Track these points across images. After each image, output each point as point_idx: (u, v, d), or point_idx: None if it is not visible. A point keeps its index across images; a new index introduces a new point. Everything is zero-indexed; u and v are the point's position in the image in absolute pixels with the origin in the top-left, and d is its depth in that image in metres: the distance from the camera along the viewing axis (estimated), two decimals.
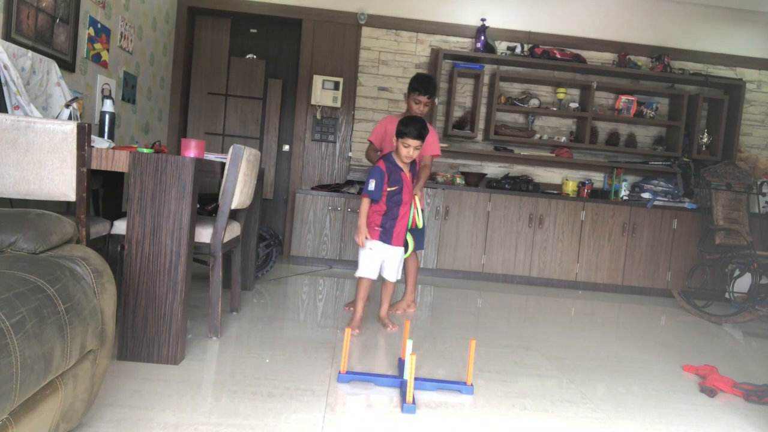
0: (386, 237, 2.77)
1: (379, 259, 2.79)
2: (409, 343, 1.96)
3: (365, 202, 2.74)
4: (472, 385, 2.07)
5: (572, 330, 3.31)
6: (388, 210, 2.75)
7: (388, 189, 2.73)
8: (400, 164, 2.75)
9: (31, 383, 1.04)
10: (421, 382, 2.05)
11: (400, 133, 2.70)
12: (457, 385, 2.07)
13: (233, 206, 2.43)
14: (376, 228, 2.76)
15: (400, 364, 2.20)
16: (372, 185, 2.69)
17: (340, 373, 2.06)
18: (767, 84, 5.25)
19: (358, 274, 2.79)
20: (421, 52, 5.05)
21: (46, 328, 1.10)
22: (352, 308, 3.25)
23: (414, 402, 1.85)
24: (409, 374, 1.84)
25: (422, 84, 3.07)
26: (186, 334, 2.21)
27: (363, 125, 5.07)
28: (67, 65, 3.14)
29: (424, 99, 3.08)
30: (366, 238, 2.74)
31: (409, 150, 2.71)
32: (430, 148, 3.15)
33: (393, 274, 2.84)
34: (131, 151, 2.08)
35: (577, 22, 5.07)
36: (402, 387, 1.96)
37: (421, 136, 2.69)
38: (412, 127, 2.67)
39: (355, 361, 2.32)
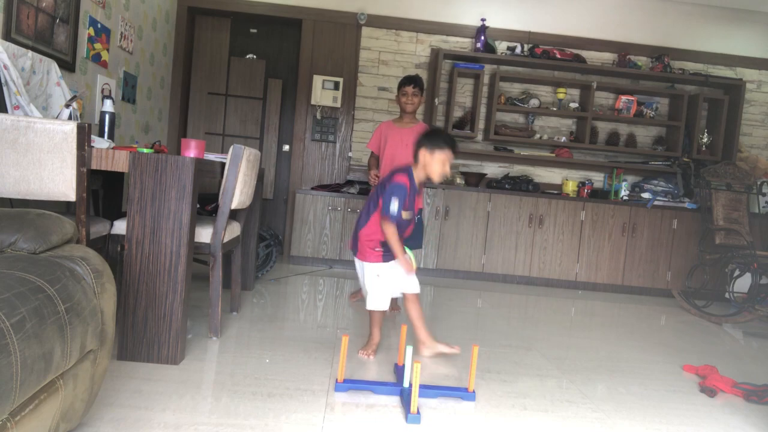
0: (389, 256, 2.38)
1: (391, 283, 2.40)
2: (409, 350, 1.94)
3: (391, 228, 2.29)
4: (474, 392, 2.02)
5: (572, 330, 3.31)
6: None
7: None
8: (417, 184, 2.38)
9: (31, 383, 1.04)
10: (421, 389, 2.00)
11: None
12: (459, 391, 2.03)
13: (233, 206, 2.43)
14: (377, 250, 2.37)
15: (398, 370, 2.18)
16: (395, 206, 2.25)
17: (337, 382, 2.00)
18: (767, 84, 5.25)
19: (369, 306, 2.40)
20: (421, 52, 5.05)
21: (46, 328, 1.10)
22: (356, 298, 3.41)
23: (419, 412, 1.81)
24: (413, 383, 1.79)
25: (408, 78, 3.33)
26: (186, 334, 2.21)
27: (363, 125, 5.07)
28: (67, 65, 3.14)
29: (410, 89, 3.29)
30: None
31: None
32: None
33: (414, 286, 2.42)
34: (131, 151, 2.08)
35: (577, 22, 5.07)
36: (402, 395, 1.94)
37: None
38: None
39: (353, 368, 2.28)
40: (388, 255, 2.36)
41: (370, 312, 2.44)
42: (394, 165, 3.09)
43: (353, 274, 4.42)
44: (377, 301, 2.37)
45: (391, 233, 2.28)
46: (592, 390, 2.25)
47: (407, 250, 2.40)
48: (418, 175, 2.36)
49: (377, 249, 2.37)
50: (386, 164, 3.30)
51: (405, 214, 2.31)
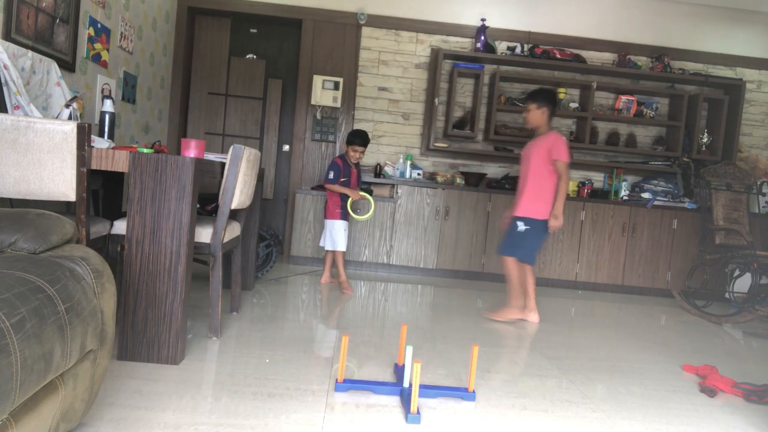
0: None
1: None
2: (409, 350, 1.94)
3: (333, 186, 3.81)
4: (474, 392, 2.02)
5: (572, 330, 3.30)
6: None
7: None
8: (352, 163, 3.92)
9: (31, 383, 1.04)
10: (421, 389, 2.00)
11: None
12: (459, 391, 2.03)
13: (233, 206, 2.43)
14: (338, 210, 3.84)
15: (398, 370, 2.18)
16: (331, 175, 3.80)
17: (337, 382, 2.00)
18: (767, 84, 5.25)
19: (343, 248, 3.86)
20: (421, 52, 5.05)
21: (46, 328, 1.10)
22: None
23: (419, 412, 1.81)
24: (413, 383, 1.79)
25: (529, 94, 3.41)
26: (186, 334, 2.21)
27: (363, 125, 5.07)
28: (67, 65, 3.14)
29: (526, 105, 3.40)
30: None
31: (356, 154, 3.82)
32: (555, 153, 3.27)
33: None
34: (131, 151, 2.08)
35: (577, 22, 5.07)
36: (402, 395, 1.94)
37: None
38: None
39: (353, 368, 2.30)
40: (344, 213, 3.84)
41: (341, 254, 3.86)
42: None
43: (353, 274, 4.44)
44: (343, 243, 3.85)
45: (334, 187, 3.77)
46: (592, 390, 2.25)
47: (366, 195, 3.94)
48: (349, 158, 3.87)
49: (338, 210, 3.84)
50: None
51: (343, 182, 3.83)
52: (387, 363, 2.35)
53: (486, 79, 5.00)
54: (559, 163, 3.23)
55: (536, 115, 3.32)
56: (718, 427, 1.98)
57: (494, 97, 4.83)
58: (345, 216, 3.82)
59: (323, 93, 4.93)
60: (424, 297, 3.92)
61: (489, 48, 4.88)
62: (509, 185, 4.80)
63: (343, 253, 3.85)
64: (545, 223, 3.28)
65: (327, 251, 3.94)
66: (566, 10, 5.07)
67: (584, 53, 5.07)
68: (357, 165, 3.94)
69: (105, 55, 3.60)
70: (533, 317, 3.36)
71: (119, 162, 2.07)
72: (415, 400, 1.81)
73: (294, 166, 5.08)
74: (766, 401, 2.25)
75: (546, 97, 3.32)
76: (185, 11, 4.90)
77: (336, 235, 3.80)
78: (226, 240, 2.49)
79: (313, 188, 4.80)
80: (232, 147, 2.36)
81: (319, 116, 5.02)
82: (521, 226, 3.31)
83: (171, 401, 1.77)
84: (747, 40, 5.18)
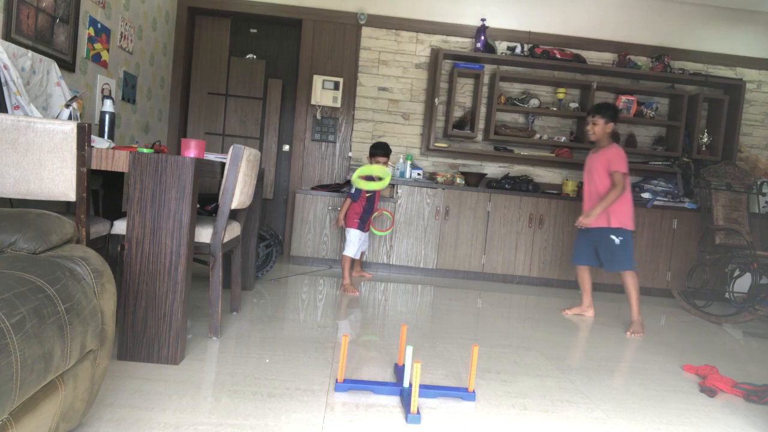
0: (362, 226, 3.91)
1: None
2: (409, 350, 1.94)
3: (348, 201, 3.84)
4: (474, 392, 2.02)
5: (572, 330, 3.31)
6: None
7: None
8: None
9: (31, 383, 1.04)
10: (421, 389, 2.00)
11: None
12: (459, 391, 2.03)
13: (233, 206, 2.43)
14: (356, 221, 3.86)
15: (398, 370, 2.18)
16: (352, 189, 3.77)
17: (337, 382, 2.00)
18: (767, 84, 5.25)
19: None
20: (421, 52, 5.05)
21: (46, 328, 1.10)
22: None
23: (419, 412, 1.81)
24: (413, 383, 1.79)
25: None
26: (186, 334, 2.21)
27: (363, 125, 5.07)
28: (67, 65, 3.14)
29: (589, 118, 3.54)
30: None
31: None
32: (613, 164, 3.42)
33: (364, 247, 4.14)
34: (131, 151, 2.08)
35: (577, 22, 5.07)
36: (402, 395, 1.94)
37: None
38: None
39: (352, 368, 2.29)
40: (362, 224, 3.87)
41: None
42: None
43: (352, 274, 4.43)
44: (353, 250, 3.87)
45: (346, 204, 3.83)
46: (592, 390, 2.25)
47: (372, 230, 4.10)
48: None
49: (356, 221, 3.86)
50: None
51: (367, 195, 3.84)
52: (387, 363, 2.35)
53: (486, 79, 5.00)
54: (616, 174, 3.39)
55: (603, 129, 3.48)
56: (718, 427, 1.98)
57: (494, 97, 4.83)
58: (362, 227, 3.85)
59: (323, 93, 4.93)
60: (424, 297, 3.92)
61: (489, 48, 4.88)
62: (509, 185, 4.80)
63: (351, 259, 3.84)
64: (628, 231, 3.50)
65: (344, 256, 3.86)
66: (566, 10, 5.07)
67: (584, 53, 5.07)
68: None
69: (105, 55, 3.60)
70: (590, 312, 3.75)
71: (119, 162, 2.07)
72: (415, 400, 1.81)
73: (294, 166, 5.08)
74: (766, 401, 2.25)
75: (613, 113, 3.49)
76: (185, 11, 4.90)
77: (348, 242, 3.84)
78: (226, 240, 2.49)
79: (313, 188, 4.80)
80: (232, 147, 2.36)
81: (319, 116, 5.02)
82: (617, 240, 3.48)
83: (171, 401, 1.77)
84: (747, 40, 5.18)
